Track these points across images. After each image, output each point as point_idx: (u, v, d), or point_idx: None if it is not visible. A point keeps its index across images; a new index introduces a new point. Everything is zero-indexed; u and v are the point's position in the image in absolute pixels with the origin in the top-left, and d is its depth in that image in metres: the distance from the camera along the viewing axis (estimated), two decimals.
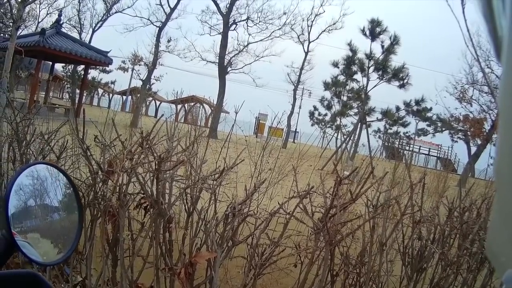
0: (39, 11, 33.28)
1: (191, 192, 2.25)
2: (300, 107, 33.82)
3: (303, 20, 30.46)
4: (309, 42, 30.93)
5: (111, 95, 45.96)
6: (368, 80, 19.27)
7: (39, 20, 34.81)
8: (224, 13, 27.72)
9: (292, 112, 30.64)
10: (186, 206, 2.31)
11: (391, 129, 27.89)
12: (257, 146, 3.13)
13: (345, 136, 20.16)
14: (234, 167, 2.32)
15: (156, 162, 2.11)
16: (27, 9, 13.20)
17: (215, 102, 26.08)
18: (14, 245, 0.86)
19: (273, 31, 29.33)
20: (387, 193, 2.71)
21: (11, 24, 27.84)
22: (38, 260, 0.96)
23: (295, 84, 31.84)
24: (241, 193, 2.34)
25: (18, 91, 20.02)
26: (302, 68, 31.61)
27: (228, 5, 27.78)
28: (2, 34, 25.12)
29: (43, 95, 23.82)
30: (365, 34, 18.64)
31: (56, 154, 2.76)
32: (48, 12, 35.35)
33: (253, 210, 2.31)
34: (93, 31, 32.90)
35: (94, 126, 2.70)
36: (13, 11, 5.34)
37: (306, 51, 31.13)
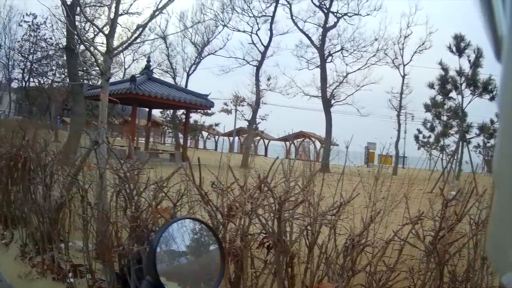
0: (124, 58, 35.05)
1: (312, 228, 2.38)
2: (405, 132, 33.38)
3: (394, 44, 30.21)
4: (404, 65, 30.69)
5: (216, 137, 46.95)
6: (462, 97, 19.02)
7: (126, 67, 36.82)
8: (318, 46, 27.91)
9: (398, 138, 30.34)
10: (307, 242, 2.44)
11: (489, 142, 27.08)
12: (369, 175, 3.22)
13: (449, 156, 20.10)
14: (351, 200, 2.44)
15: (277, 204, 2.26)
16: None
17: (322, 136, 27.54)
18: None
19: (368, 59, 29.21)
20: (488, 209, 2.74)
21: (93, 71, 29.88)
22: None
23: (398, 110, 31.63)
24: (358, 224, 2.45)
25: (113, 138, 21.12)
26: (401, 93, 31.38)
27: (320, 37, 28.00)
28: (86, 82, 26.71)
29: (142, 141, 24.92)
30: (452, 51, 18.45)
31: (172, 200, 2.95)
32: (134, 58, 37.44)
33: (370, 239, 2.41)
34: (188, 75, 34.50)
35: (204, 169, 2.88)
36: (98, 60, 5.86)
37: (402, 74, 30.96)
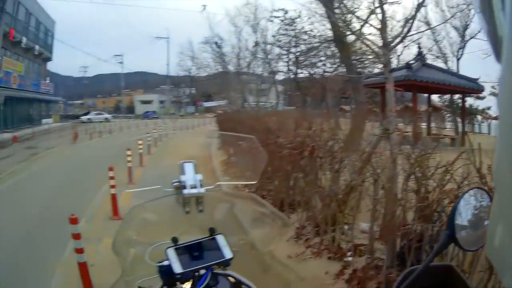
0: (396, 45, 43.02)
1: None
2: None
3: None
4: None
5: (489, 121, 54.08)
6: None
7: (398, 54, 45.23)
8: None
9: None
10: None
11: None
12: None
13: None
14: None
15: None
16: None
17: None
18: (454, 241, 1.54)
19: None
20: None
21: (365, 60, 37.62)
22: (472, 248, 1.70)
23: None
24: None
25: (403, 126, 26.92)
26: None
27: None
28: (361, 70, 34.63)
29: (423, 126, 31.34)
30: None
31: (457, 182, 4.67)
32: (405, 45, 45.22)
33: None
34: (457, 59, 42.40)
35: (483, 153, 4.50)
36: (375, 51, 8.64)
37: None
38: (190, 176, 2.45)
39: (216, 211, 2.74)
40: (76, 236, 6.15)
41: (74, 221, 6.20)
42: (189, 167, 2.49)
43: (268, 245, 2.66)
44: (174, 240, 2.22)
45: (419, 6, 7.49)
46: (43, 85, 58.70)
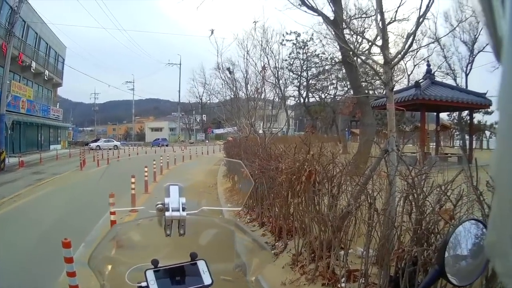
0: (406, 64, 44.71)
1: None
2: None
3: None
4: None
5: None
6: None
7: (408, 73, 47.87)
8: None
9: None
10: None
11: None
12: None
13: None
14: None
15: None
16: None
17: None
18: (444, 276, 1.63)
19: None
20: None
21: (376, 81, 39.42)
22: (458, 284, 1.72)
23: None
24: None
25: (402, 145, 28.06)
26: None
27: None
28: (371, 92, 35.98)
29: (433, 146, 32.20)
30: None
31: (452, 203, 4.64)
32: (415, 64, 48.89)
33: None
34: (466, 75, 45.91)
35: (483, 170, 4.36)
36: (379, 71, 8.69)
37: None
38: (174, 199, 2.46)
39: (200, 236, 2.78)
40: (69, 260, 6.29)
41: (66, 245, 6.35)
42: (174, 190, 2.49)
43: (252, 273, 2.67)
44: (154, 262, 2.23)
45: (419, 20, 7.43)
46: (53, 111, 59.87)
